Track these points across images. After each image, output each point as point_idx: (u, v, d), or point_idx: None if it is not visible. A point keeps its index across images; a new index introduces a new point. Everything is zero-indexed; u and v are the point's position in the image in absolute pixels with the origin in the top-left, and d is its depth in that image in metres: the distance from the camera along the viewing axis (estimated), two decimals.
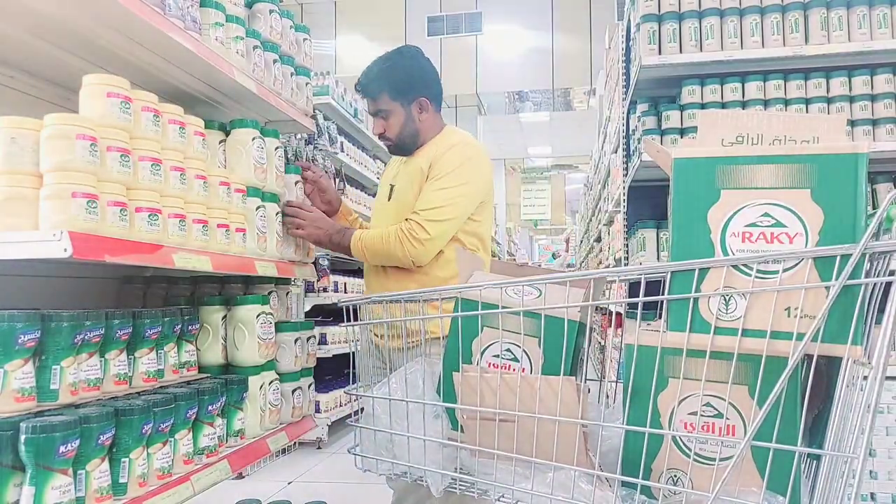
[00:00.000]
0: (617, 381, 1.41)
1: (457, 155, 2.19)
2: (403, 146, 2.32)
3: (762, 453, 1.00)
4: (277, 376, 2.14)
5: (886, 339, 0.87)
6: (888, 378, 0.88)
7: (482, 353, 1.24)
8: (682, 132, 3.61)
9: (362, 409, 1.42)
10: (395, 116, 2.28)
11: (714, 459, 1.05)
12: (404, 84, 2.26)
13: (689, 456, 1.06)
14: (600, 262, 7.13)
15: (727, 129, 1.12)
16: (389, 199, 2.32)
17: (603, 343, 5.85)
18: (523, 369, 1.20)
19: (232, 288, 2.26)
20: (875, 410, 0.87)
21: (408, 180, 2.25)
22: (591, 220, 9.05)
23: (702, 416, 1.06)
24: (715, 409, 1.05)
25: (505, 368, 1.21)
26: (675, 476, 1.08)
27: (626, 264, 4.22)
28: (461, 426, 1.26)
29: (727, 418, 1.05)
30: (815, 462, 1.08)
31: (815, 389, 1.01)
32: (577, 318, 1.21)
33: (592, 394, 1.34)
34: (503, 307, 1.22)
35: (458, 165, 2.16)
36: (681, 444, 1.07)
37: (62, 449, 1.27)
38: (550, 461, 1.12)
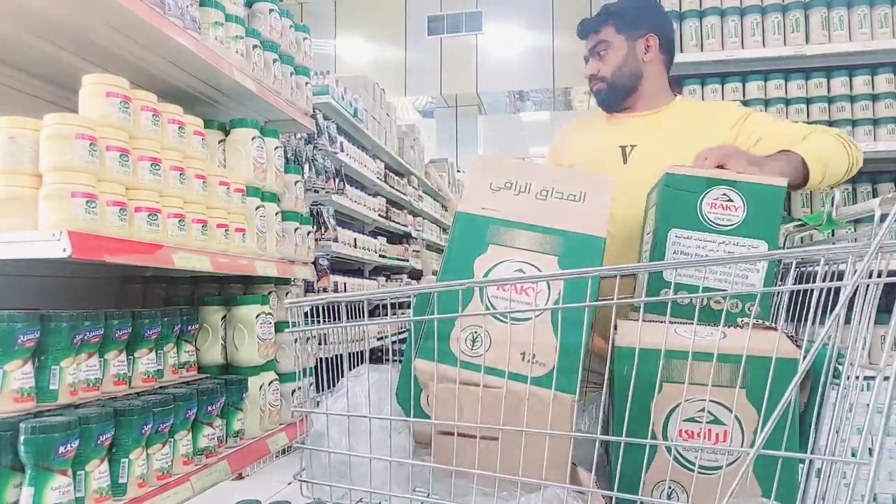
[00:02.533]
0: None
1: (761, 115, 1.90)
2: (616, 88, 1.97)
3: (758, 461, 0.99)
4: (277, 377, 2.14)
5: (892, 341, 0.86)
6: (887, 378, 0.87)
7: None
8: None
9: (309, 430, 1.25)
10: (615, 51, 1.97)
11: (711, 468, 1.03)
12: (634, 15, 1.99)
13: (686, 467, 1.04)
14: None
15: (497, 174, 1.27)
16: (625, 162, 1.91)
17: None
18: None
19: (232, 288, 2.26)
20: (887, 413, 0.86)
21: (679, 148, 1.71)
22: None
23: (698, 422, 1.04)
24: (712, 415, 1.03)
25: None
26: (671, 488, 1.05)
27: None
28: (432, 444, 1.13)
29: (725, 424, 1.03)
30: (802, 464, 1.07)
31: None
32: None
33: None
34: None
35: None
36: (676, 453, 1.05)
37: (61, 449, 1.27)
38: (537, 480, 1.05)
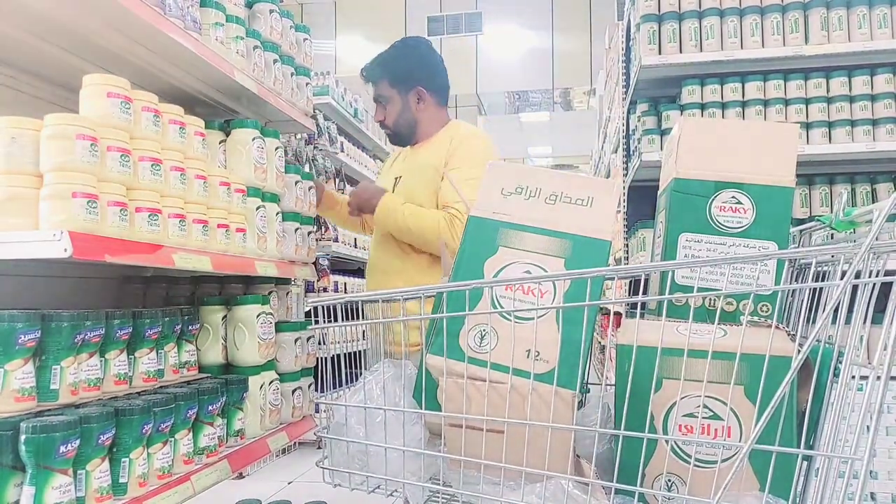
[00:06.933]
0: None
1: (472, 146, 2.22)
2: (400, 135, 2.36)
3: (758, 456, 0.99)
4: (277, 376, 2.14)
5: (892, 340, 0.86)
6: (880, 378, 0.88)
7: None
8: None
9: (331, 420, 1.32)
10: (393, 104, 2.32)
11: (709, 462, 1.04)
12: (403, 73, 2.29)
13: (684, 460, 1.06)
14: None
15: (508, 180, 1.30)
16: (393, 191, 2.31)
17: (603, 343, 5.85)
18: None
19: (232, 288, 2.26)
20: (879, 411, 0.86)
21: (417, 175, 2.26)
22: None
23: (697, 417, 1.05)
24: (711, 410, 1.05)
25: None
26: (671, 481, 1.07)
27: (626, 264, 4.21)
28: (443, 436, 1.19)
29: (724, 420, 1.04)
30: (805, 462, 1.08)
31: (800, 388, 1.02)
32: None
33: (592, 396, 1.31)
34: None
35: (475, 156, 2.19)
36: (675, 447, 1.07)
37: (62, 449, 1.27)
38: (541, 470, 1.09)
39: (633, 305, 1.13)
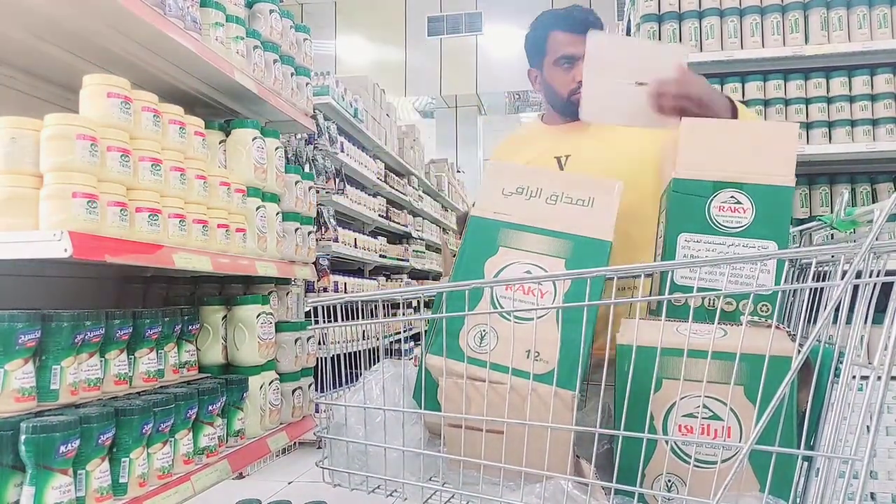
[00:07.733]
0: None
1: None
2: None
3: (758, 456, 0.99)
4: (277, 376, 2.14)
5: (892, 341, 0.86)
6: (880, 378, 0.88)
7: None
8: None
9: (331, 420, 1.33)
10: None
11: (709, 462, 1.04)
12: None
13: (684, 460, 1.06)
14: None
15: (509, 180, 1.30)
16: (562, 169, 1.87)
17: None
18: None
19: (232, 288, 2.26)
20: (880, 411, 0.86)
21: (633, 156, 1.75)
22: None
23: (696, 417, 1.05)
24: (710, 410, 1.05)
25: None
26: (670, 481, 1.07)
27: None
28: (442, 436, 1.19)
29: (724, 420, 1.04)
30: (805, 463, 1.08)
31: (800, 388, 1.02)
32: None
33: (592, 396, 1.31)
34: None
35: None
36: (675, 447, 1.07)
37: (62, 449, 1.27)
38: (540, 471, 1.09)
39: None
